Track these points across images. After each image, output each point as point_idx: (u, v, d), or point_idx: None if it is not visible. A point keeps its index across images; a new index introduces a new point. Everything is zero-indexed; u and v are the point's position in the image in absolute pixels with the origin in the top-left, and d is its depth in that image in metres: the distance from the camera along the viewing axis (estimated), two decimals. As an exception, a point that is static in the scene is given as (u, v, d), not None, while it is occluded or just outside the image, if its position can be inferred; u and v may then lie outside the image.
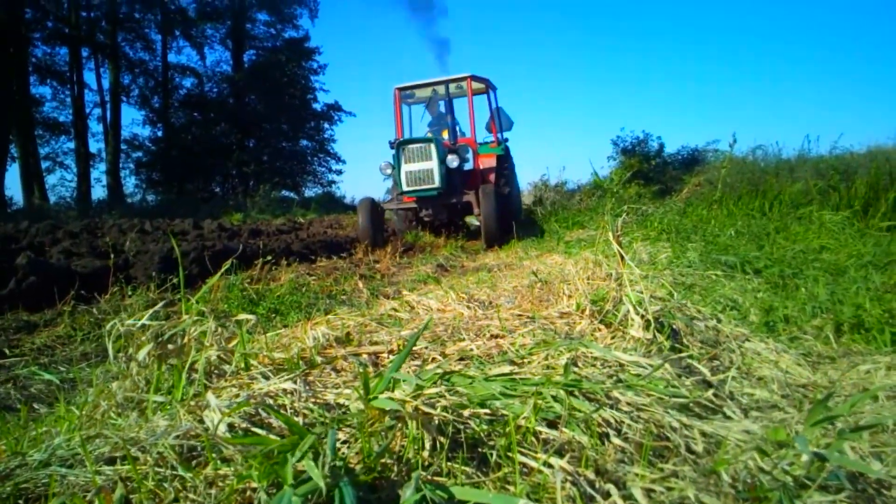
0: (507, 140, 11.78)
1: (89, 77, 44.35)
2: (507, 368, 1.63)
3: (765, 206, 7.04)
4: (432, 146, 9.07)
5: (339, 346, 2.08)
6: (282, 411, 1.29)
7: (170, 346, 1.58)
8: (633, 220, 7.22)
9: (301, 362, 1.83)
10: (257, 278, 4.68)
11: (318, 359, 1.86)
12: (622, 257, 2.95)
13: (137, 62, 29.31)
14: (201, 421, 1.21)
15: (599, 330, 2.38)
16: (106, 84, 27.60)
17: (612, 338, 2.30)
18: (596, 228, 8.63)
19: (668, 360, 1.76)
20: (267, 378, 1.56)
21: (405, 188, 9.22)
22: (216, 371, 1.65)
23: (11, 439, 1.33)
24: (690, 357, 2.14)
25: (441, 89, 11.09)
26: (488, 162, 10.81)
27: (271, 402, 1.36)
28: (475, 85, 11.10)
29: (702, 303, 3.32)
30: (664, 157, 18.42)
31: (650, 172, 16.61)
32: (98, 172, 28.37)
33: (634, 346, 2.17)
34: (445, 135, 11.23)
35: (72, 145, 27.18)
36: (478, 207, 8.95)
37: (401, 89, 10.99)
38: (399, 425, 1.19)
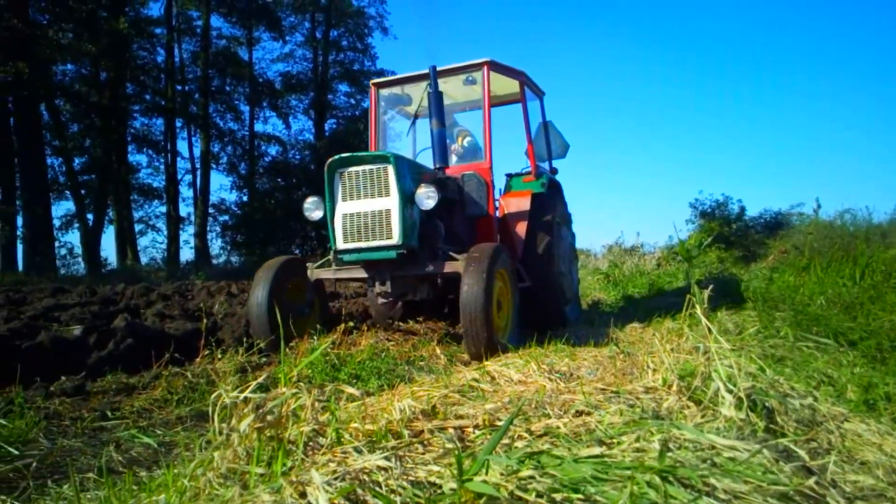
0: (554, 172, 7.61)
1: (182, 146, 47.19)
2: (596, 450, 1.61)
3: (856, 273, 6.75)
4: (390, 169, 5.09)
5: (424, 418, 2.11)
6: (377, 489, 1.32)
7: (269, 418, 1.65)
8: (716, 286, 7.03)
9: (389, 435, 1.87)
10: (338, 343, 4.79)
11: (406, 432, 1.90)
12: (709, 330, 2.90)
13: (227, 131, 31.03)
14: (303, 495, 1.25)
15: (688, 407, 2.32)
16: (197, 152, 29.34)
17: (702, 416, 2.24)
18: (676, 295, 8.45)
19: (766, 445, 1.70)
20: (360, 452, 1.60)
21: (340, 244, 5.26)
22: (310, 443, 1.70)
23: (125, 507, 1.41)
24: (786, 439, 2.06)
25: (452, 86, 6.90)
26: (518, 204, 6.63)
27: (366, 478, 1.39)
28: (501, 83, 7.01)
29: (794, 378, 3.19)
30: (745, 221, 17.95)
31: (731, 236, 16.21)
32: (187, 235, 29.84)
33: (727, 426, 2.11)
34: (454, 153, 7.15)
35: (164, 209, 28.84)
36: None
37: (379, 85, 7.29)
38: (494, 509, 1.20)
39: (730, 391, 2.28)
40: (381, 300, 5.66)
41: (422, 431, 1.93)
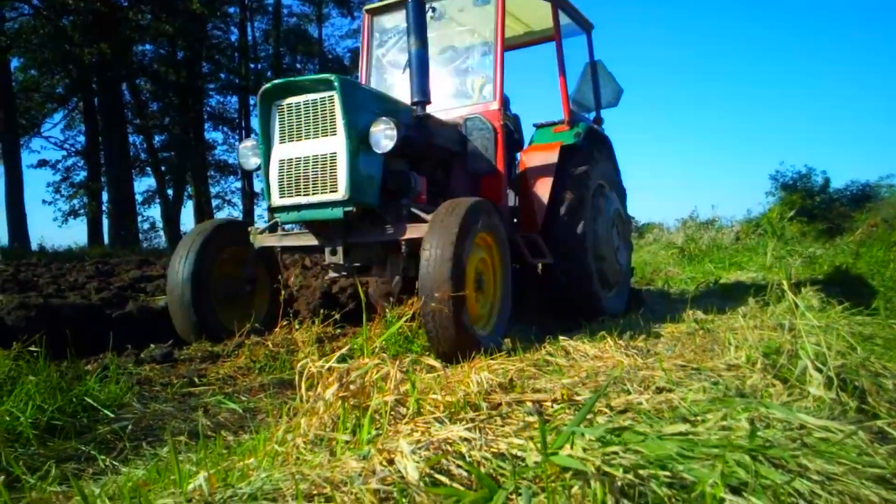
0: (599, 123, 6.22)
1: (256, 123, 48.31)
2: (681, 427, 1.58)
3: (954, 247, 6.37)
4: (335, 98, 3.85)
5: (502, 391, 2.12)
6: (462, 460, 1.33)
7: (352, 387, 1.69)
8: (799, 261, 6.75)
9: (468, 407, 1.89)
10: (411, 316, 4.83)
11: (484, 405, 1.91)
12: (796, 305, 2.79)
13: (297, 108, 31.64)
14: (391, 462, 1.28)
15: (774, 385, 2.25)
16: (270, 128, 30.05)
17: (789, 395, 2.17)
18: (756, 270, 8.16)
19: (861, 426, 1.63)
20: (441, 423, 1.62)
21: (275, 200, 4.10)
22: (392, 413, 1.73)
23: (219, 469, 1.47)
24: (881, 420, 1.97)
25: (469, 15, 5.49)
26: (543, 158, 5.19)
27: (449, 448, 1.41)
28: (537, 11, 5.88)
29: (886, 357, 3.04)
30: (830, 194, 17.12)
31: (814, 209, 15.47)
32: (261, 209, 30.70)
33: (816, 405, 2.03)
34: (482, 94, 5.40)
35: (239, 185, 29.77)
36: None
37: (373, 11, 5.72)
38: (580, 483, 1.19)
39: (819, 369, 2.20)
40: (332, 274, 4.46)
41: (500, 404, 1.93)
